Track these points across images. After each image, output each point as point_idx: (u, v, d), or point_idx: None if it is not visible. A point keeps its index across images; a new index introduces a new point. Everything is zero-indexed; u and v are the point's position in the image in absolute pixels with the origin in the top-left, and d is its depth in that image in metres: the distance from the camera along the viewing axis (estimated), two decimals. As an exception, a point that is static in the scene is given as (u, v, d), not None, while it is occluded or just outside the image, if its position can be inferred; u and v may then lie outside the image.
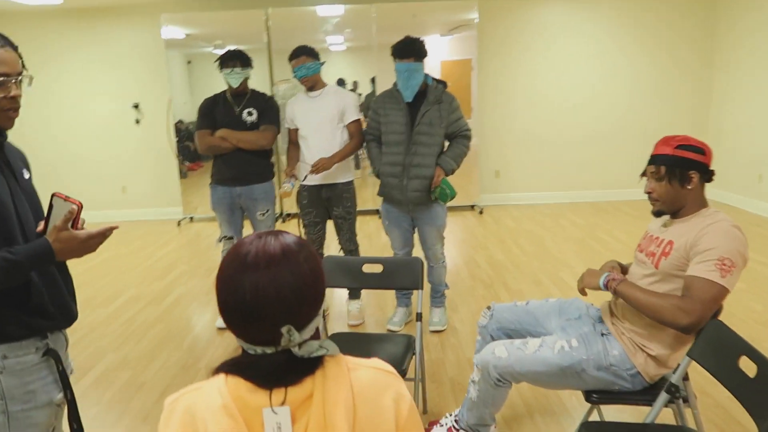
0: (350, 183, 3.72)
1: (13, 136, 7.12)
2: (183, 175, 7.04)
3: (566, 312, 2.31)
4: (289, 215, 7.07)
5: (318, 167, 3.46)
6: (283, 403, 1.00)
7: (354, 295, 3.92)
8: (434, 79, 3.50)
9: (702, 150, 1.96)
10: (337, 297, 4.25)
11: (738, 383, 1.59)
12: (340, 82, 6.83)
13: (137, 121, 7.16)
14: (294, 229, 6.52)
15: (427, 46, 3.35)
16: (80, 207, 1.49)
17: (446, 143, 3.50)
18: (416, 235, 3.64)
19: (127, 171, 7.27)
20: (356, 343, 2.51)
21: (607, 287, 2.04)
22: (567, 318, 2.28)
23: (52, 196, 1.51)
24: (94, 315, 4.21)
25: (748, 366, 1.62)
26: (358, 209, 3.83)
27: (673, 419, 2.10)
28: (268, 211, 3.74)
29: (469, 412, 2.28)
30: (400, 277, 2.57)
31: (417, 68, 3.29)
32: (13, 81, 1.45)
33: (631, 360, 2.03)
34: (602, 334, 2.12)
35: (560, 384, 2.11)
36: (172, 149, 7.13)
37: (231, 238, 3.83)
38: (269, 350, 1.03)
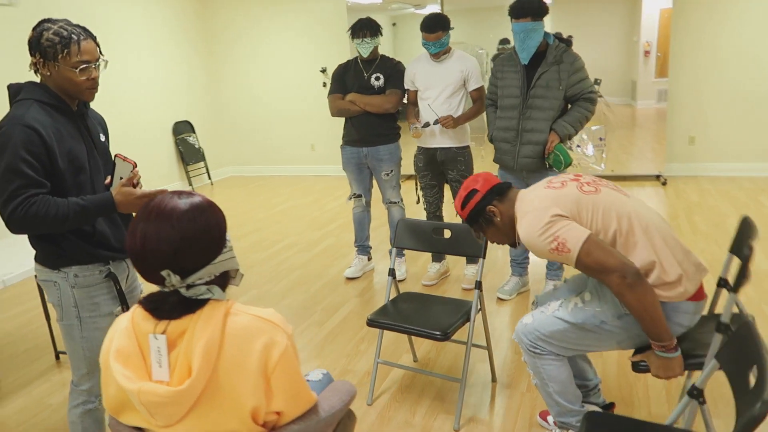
0: (465, 148, 3.69)
1: (224, 96, 8.28)
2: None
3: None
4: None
5: (446, 121, 3.48)
6: (163, 332, 1.18)
7: (436, 257, 3.95)
8: (557, 37, 3.26)
9: (471, 192, 2.08)
10: (458, 261, 4.27)
11: (742, 392, 1.34)
12: (506, 42, 6.58)
13: (324, 84, 7.79)
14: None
15: (545, 3, 3.13)
16: (135, 165, 1.89)
17: (569, 107, 3.27)
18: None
19: (316, 130, 8.01)
20: (415, 303, 2.58)
21: None
22: (582, 274, 2.19)
23: (115, 156, 1.90)
24: (255, 256, 4.86)
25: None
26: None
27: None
28: (392, 171, 3.91)
29: (549, 406, 2.16)
30: (464, 244, 2.55)
31: (534, 28, 3.10)
32: (93, 66, 1.83)
33: None
34: None
35: (590, 343, 2.01)
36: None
37: (360, 196, 4.08)
38: (166, 289, 1.21)
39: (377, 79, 3.76)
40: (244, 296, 3.99)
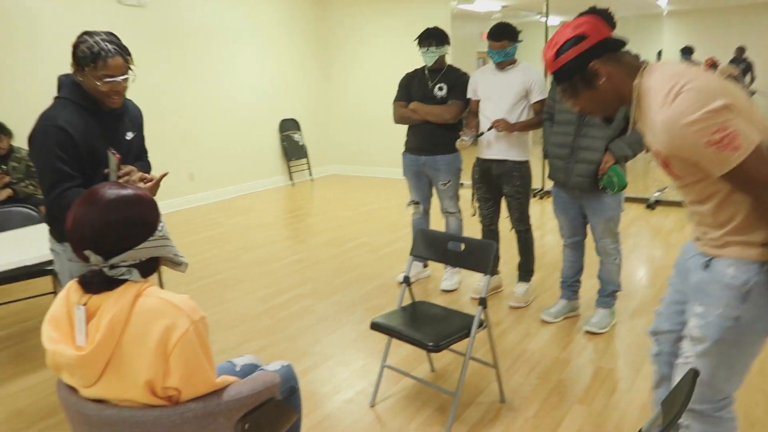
0: (523, 162, 3.57)
1: (330, 96, 8.58)
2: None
3: (681, 276, 1.78)
4: (462, 184, 6.88)
5: (498, 124, 3.42)
6: (84, 304, 1.33)
7: (524, 276, 3.80)
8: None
9: (579, 36, 1.57)
10: (508, 277, 4.14)
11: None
12: (686, 51, 6.11)
13: (427, 90, 7.85)
14: (469, 202, 6.38)
15: (611, 14, 2.95)
16: (119, 159, 2.13)
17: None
18: (582, 224, 3.31)
19: (415, 135, 8.09)
20: (425, 312, 2.57)
21: None
22: (678, 289, 1.78)
23: (108, 150, 2.15)
24: (327, 251, 5.06)
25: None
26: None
27: None
28: (449, 181, 3.89)
29: None
30: (474, 258, 2.50)
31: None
32: (119, 80, 2.08)
33: (744, 260, 1.51)
34: (706, 267, 1.59)
35: (745, 353, 1.58)
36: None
37: (418, 203, 4.11)
38: (95, 267, 1.36)
39: (440, 89, 3.77)
40: (301, 288, 4.18)
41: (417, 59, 7.84)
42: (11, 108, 5.17)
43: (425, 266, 4.33)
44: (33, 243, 3.07)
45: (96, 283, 1.35)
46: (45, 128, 2.04)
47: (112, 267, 1.35)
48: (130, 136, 2.28)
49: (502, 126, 3.42)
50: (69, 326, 1.35)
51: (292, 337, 3.42)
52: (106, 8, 5.87)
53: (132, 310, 1.31)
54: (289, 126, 8.15)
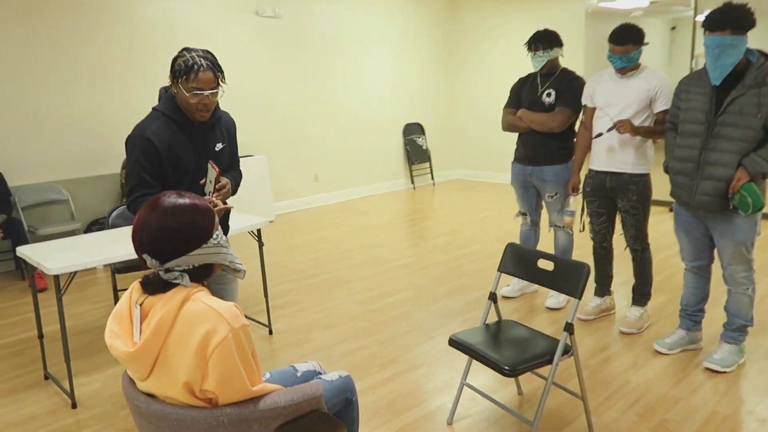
0: (642, 176, 3.26)
1: (457, 100, 8.48)
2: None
3: None
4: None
5: (622, 125, 3.13)
6: (141, 304, 1.42)
7: (638, 300, 3.47)
8: (763, 54, 2.68)
9: None
10: (625, 298, 3.79)
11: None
12: None
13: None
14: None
15: (751, 13, 2.60)
16: (218, 172, 2.23)
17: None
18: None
19: (542, 141, 7.76)
20: (509, 332, 2.43)
21: None
22: None
23: (209, 163, 2.26)
24: (436, 257, 5.01)
25: None
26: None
27: None
28: (556, 194, 3.67)
29: None
30: (563, 279, 2.31)
31: (733, 43, 2.58)
32: (206, 93, 2.20)
33: None
34: None
35: None
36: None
37: (525, 214, 3.92)
38: (153, 269, 1.45)
39: (548, 95, 3.57)
40: (403, 293, 4.18)
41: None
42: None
43: (532, 280, 4.12)
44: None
45: (152, 285, 1.43)
46: (135, 137, 2.23)
47: (167, 271, 1.43)
48: (219, 147, 2.41)
49: (625, 127, 3.13)
50: (129, 323, 1.45)
51: (384, 342, 3.43)
52: (245, 20, 6.31)
53: (178, 313, 1.37)
54: (413, 130, 8.21)
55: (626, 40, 3.09)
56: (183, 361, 1.34)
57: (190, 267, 1.45)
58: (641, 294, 3.46)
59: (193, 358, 1.33)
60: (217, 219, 1.51)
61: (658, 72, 3.20)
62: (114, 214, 3.71)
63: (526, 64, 7.67)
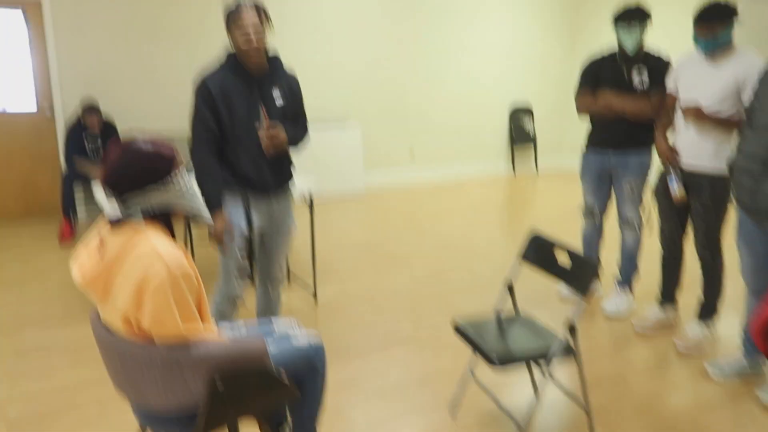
0: (719, 175, 2.89)
1: (571, 82, 7.99)
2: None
3: None
4: None
5: (690, 113, 2.84)
6: (101, 236, 1.55)
7: (703, 314, 3.13)
8: None
9: None
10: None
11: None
12: None
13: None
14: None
15: None
16: (265, 114, 2.44)
17: None
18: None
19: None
20: (517, 325, 2.31)
21: None
22: None
23: (260, 108, 2.42)
24: (513, 249, 4.85)
25: None
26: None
27: None
28: (636, 183, 3.40)
29: None
30: (573, 275, 2.14)
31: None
32: (251, 32, 2.32)
33: None
34: None
35: None
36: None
37: (591, 210, 3.63)
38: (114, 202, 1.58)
39: (639, 72, 3.26)
40: (459, 275, 4.11)
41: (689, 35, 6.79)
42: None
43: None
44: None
45: (113, 219, 1.55)
46: (196, 85, 2.43)
47: (126, 207, 1.54)
48: (280, 102, 2.50)
49: (691, 114, 2.82)
50: (97, 252, 1.60)
51: (421, 321, 3.41)
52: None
53: (125, 248, 1.48)
54: (520, 110, 7.88)
55: (712, 18, 2.73)
56: (124, 294, 1.45)
57: (148, 207, 1.55)
58: (707, 308, 3.11)
59: (132, 291, 1.44)
60: (179, 160, 1.58)
61: (752, 55, 2.79)
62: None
63: (674, 38, 6.98)
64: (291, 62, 6.24)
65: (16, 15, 5.18)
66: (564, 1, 7.85)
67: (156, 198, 1.55)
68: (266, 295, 2.73)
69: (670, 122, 3.10)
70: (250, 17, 2.32)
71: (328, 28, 6.34)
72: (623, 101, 3.29)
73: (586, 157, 3.61)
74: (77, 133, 4.93)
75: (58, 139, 5.42)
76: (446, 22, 7.04)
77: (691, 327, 3.15)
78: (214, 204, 2.39)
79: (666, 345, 3.14)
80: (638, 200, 3.43)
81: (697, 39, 2.83)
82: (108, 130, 5.06)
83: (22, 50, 5.24)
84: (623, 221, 3.53)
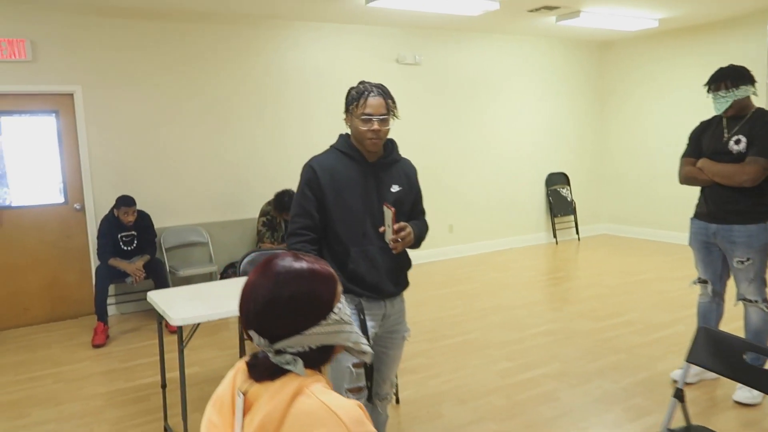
0: None
1: (607, 150, 7.82)
2: None
3: None
4: None
5: None
6: (245, 393, 1.14)
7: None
8: None
9: None
10: None
11: None
12: None
13: (729, 143, 6.57)
14: None
15: None
16: (394, 212, 2.02)
17: None
18: None
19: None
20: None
21: None
22: None
23: (384, 205, 2.07)
24: (583, 326, 4.40)
25: None
26: None
27: None
28: (748, 259, 2.99)
29: None
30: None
31: None
32: (375, 119, 2.04)
33: None
34: None
35: None
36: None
37: (706, 282, 3.26)
38: (261, 348, 1.17)
39: (737, 142, 2.94)
40: (548, 367, 3.64)
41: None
42: (291, 169, 5.79)
43: (712, 365, 3.39)
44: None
45: (259, 369, 1.14)
46: (304, 167, 2.13)
47: (277, 353, 1.13)
48: (396, 189, 2.16)
49: None
50: (230, 413, 1.17)
51: (529, 425, 2.92)
52: (387, 68, 6.25)
53: (288, 411, 1.07)
54: (556, 180, 7.62)
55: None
56: None
57: (306, 350, 1.14)
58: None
59: None
60: (339, 288, 1.20)
61: None
62: (246, 260, 3.62)
63: (694, 112, 6.89)
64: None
65: (49, 118, 4.95)
66: (590, 64, 7.75)
67: (318, 339, 1.15)
68: (374, 414, 2.25)
69: None
70: (378, 106, 2.04)
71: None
72: (716, 167, 2.98)
73: (692, 224, 3.30)
74: (111, 226, 4.61)
75: (89, 233, 5.08)
76: (476, 101, 6.92)
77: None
78: None
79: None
80: (757, 277, 3.03)
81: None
82: (142, 218, 4.74)
83: (50, 145, 4.98)
84: (741, 298, 3.12)
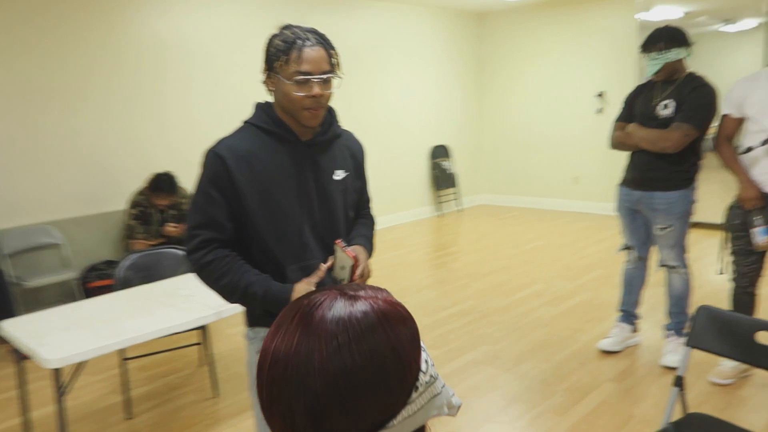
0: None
1: (485, 121, 7.90)
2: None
3: None
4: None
5: None
6: None
7: None
8: None
9: None
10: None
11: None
12: None
13: (599, 111, 6.87)
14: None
15: None
16: (355, 261, 1.46)
17: None
18: None
19: (582, 162, 7.10)
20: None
21: None
22: None
23: (335, 243, 1.51)
24: (496, 301, 4.27)
25: None
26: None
27: None
28: (669, 226, 2.97)
29: None
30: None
31: None
32: (316, 80, 1.45)
33: None
34: None
35: None
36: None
37: (631, 248, 3.23)
38: None
39: (665, 107, 2.88)
40: (476, 352, 3.43)
41: (592, 77, 7.00)
42: (166, 153, 5.00)
43: (634, 330, 3.39)
44: (183, 301, 2.61)
45: None
46: (207, 155, 1.52)
47: None
48: (340, 175, 1.62)
49: None
50: None
51: (483, 421, 2.67)
52: (265, 36, 5.61)
53: None
54: (439, 153, 7.52)
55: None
56: None
57: None
58: None
59: None
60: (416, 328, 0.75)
61: None
62: (125, 265, 2.95)
63: (568, 82, 7.09)
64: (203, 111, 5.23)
65: None
66: (467, 36, 7.69)
67: (408, 427, 0.68)
68: None
69: (733, 155, 2.75)
70: (319, 61, 1.45)
71: (242, 90, 5.47)
72: (642, 132, 2.92)
73: (619, 191, 3.23)
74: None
75: None
76: (358, 73, 6.50)
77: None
78: (259, 292, 1.48)
79: (759, 394, 2.71)
80: (677, 244, 3.03)
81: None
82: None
83: None
84: (662, 264, 3.13)
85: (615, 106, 6.67)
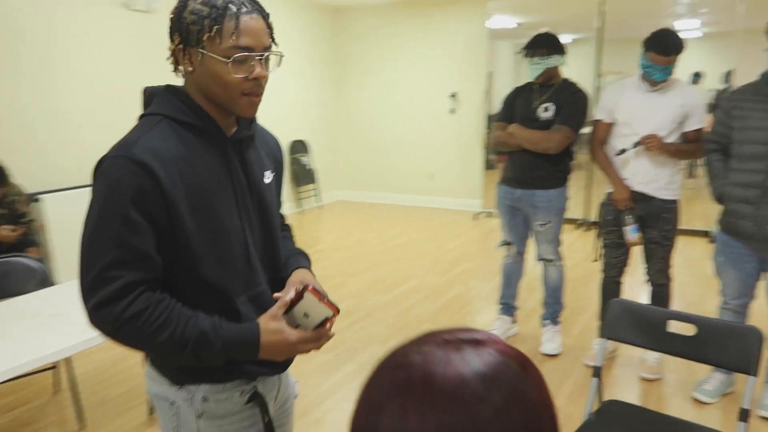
0: (674, 202, 2.91)
1: (343, 116, 7.89)
2: (489, 166, 6.91)
3: None
4: (590, 224, 6.26)
5: (651, 142, 2.75)
6: None
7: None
8: None
9: None
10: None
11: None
12: (696, 78, 5.70)
13: (452, 111, 7.20)
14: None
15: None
16: (335, 313, 1.18)
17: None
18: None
19: (436, 159, 7.40)
20: (635, 424, 1.82)
21: None
22: None
23: (304, 288, 1.18)
24: (375, 299, 4.26)
25: None
26: (680, 227, 2.98)
27: None
28: (548, 222, 3.18)
29: None
30: (720, 349, 1.77)
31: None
32: (258, 58, 1.14)
33: None
34: None
35: None
36: (480, 141, 7.00)
37: (510, 244, 3.40)
38: None
39: (546, 109, 3.07)
40: (365, 353, 3.38)
41: (446, 78, 7.31)
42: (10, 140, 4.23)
43: (514, 321, 3.59)
44: (35, 327, 2.20)
45: None
46: (112, 164, 1.09)
47: None
48: (269, 177, 1.32)
49: (654, 144, 2.74)
50: None
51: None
52: (110, 14, 4.98)
53: None
54: (298, 148, 7.35)
55: (671, 49, 2.69)
56: None
57: None
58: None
59: None
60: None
61: (692, 87, 2.88)
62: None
63: (422, 82, 7.31)
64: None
65: None
66: (324, 30, 7.59)
67: None
68: None
69: (606, 158, 3.00)
70: (259, 33, 1.13)
71: (92, 72, 4.80)
72: (524, 133, 3.09)
73: (499, 190, 3.38)
74: None
75: None
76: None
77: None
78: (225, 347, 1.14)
79: (626, 374, 3.01)
80: (554, 239, 3.26)
81: (651, 68, 2.75)
82: None
83: None
84: (540, 258, 3.34)
85: (467, 107, 7.09)
